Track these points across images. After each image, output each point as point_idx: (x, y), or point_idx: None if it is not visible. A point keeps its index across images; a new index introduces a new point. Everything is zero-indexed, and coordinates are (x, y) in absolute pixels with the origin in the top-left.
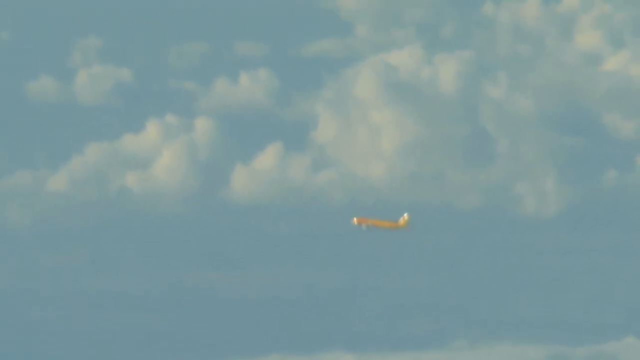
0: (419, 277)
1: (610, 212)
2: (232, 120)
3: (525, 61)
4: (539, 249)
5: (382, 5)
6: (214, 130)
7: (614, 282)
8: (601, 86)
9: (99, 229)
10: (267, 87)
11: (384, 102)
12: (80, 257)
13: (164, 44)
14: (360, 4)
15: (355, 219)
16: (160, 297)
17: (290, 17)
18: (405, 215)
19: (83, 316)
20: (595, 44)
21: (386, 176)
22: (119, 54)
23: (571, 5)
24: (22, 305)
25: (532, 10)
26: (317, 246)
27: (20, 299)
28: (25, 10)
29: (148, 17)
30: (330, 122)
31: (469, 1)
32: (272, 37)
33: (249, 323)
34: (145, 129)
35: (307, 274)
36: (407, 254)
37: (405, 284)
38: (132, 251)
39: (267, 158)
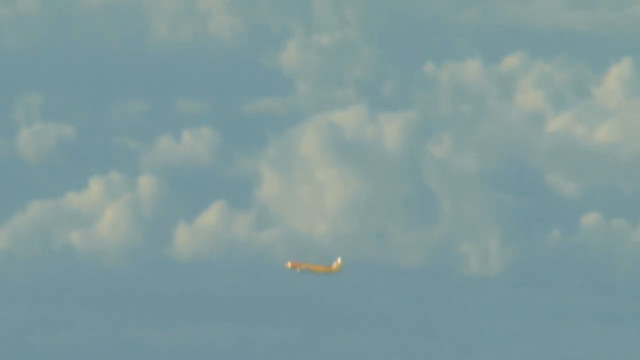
0: (360, 335)
1: (554, 272)
2: (175, 178)
3: (467, 121)
4: (482, 309)
5: (324, 64)
6: (157, 187)
7: (556, 343)
8: (544, 146)
9: (42, 286)
10: (210, 145)
11: (328, 161)
12: (22, 313)
13: (105, 101)
14: (302, 62)
15: (289, 262)
16: (102, 352)
17: (232, 75)
18: (339, 259)
19: None
20: (537, 103)
21: (329, 234)
22: (61, 111)
23: (512, 65)
24: None
25: (473, 70)
26: (259, 304)
27: None
28: None
29: (89, 74)
30: (274, 180)
31: (410, 60)
32: (213, 94)
33: None
34: (88, 187)
35: (247, 330)
36: (349, 313)
37: (346, 342)
38: (75, 307)
39: (211, 216)
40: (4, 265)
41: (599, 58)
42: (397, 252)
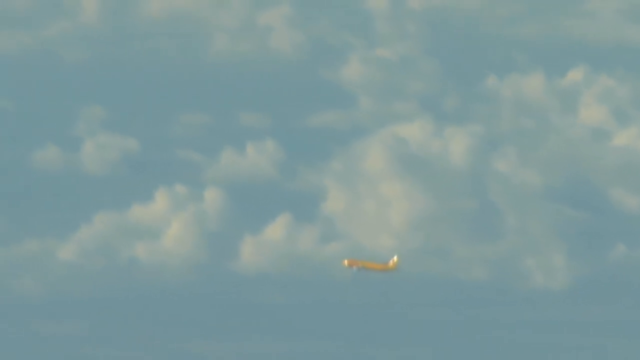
0: (423, 349)
1: (619, 287)
2: (240, 191)
3: (530, 135)
4: (547, 324)
5: (385, 78)
6: (223, 200)
7: (621, 357)
8: (608, 161)
9: (107, 298)
10: (274, 158)
11: (394, 175)
12: (88, 327)
13: (167, 114)
14: (363, 76)
15: (346, 260)
16: None
17: (293, 89)
18: (395, 257)
19: None
20: (601, 118)
21: (394, 249)
22: (124, 124)
23: (574, 79)
24: None
25: (535, 84)
26: (324, 318)
27: None
28: (27, 80)
29: (150, 87)
30: (339, 194)
31: (472, 75)
32: (275, 108)
33: None
34: (154, 199)
35: (313, 344)
36: (413, 327)
37: (409, 356)
38: (140, 320)
39: (276, 229)
40: (70, 277)
41: None
42: (461, 266)
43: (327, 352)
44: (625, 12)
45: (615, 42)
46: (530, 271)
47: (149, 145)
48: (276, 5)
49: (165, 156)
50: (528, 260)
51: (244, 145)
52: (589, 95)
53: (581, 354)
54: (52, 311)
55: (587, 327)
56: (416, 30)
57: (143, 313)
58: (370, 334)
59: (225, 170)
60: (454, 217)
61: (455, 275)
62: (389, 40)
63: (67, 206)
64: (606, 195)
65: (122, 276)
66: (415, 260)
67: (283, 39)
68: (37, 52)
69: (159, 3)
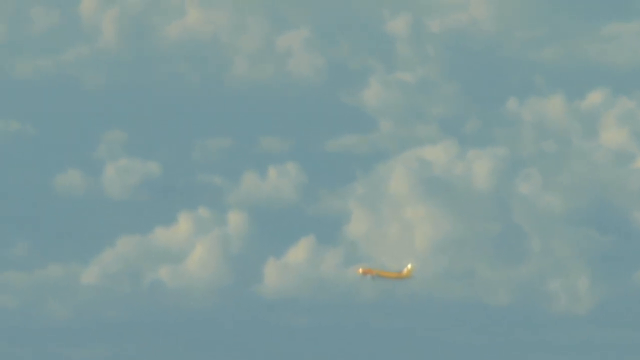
0: None
1: None
2: (263, 214)
3: (552, 158)
4: (571, 347)
5: (406, 101)
6: (246, 223)
7: None
8: (631, 184)
9: (131, 322)
10: (296, 182)
11: (418, 198)
12: (112, 350)
13: (188, 138)
14: (383, 100)
15: (360, 269)
16: None
17: (313, 113)
18: (409, 265)
19: None
20: (622, 141)
21: (418, 272)
22: (145, 148)
23: (595, 101)
24: None
25: (556, 107)
26: (347, 341)
27: None
28: (48, 105)
29: (170, 111)
30: (363, 217)
31: (492, 98)
32: (296, 132)
33: None
34: (177, 222)
35: None
36: (438, 351)
37: None
38: (164, 344)
39: (300, 252)
40: (94, 301)
41: None
42: (486, 290)
43: None
44: None
45: (635, 65)
46: (555, 294)
47: (171, 169)
48: (295, 29)
49: (187, 180)
50: (552, 283)
51: (265, 168)
52: (609, 118)
53: None
54: (77, 336)
55: (611, 350)
56: (436, 53)
57: (167, 336)
58: (394, 358)
59: (247, 194)
60: (478, 240)
61: (480, 298)
62: (409, 63)
63: (89, 230)
64: (630, 218)
65: (146, 299)
66: (440, 284)
67: (302, 62)
68: (57, 77)
69: (178, 27)
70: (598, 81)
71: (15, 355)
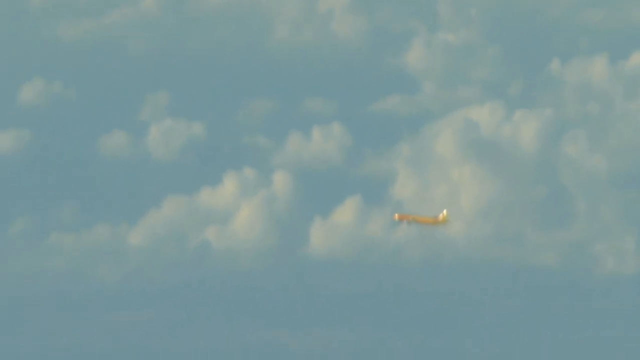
0: (493, 335)
1: None
2: (308, 175)
3: (596, 119)
4: (617, 309)
5: (449, 63)
6: (291, 184)
7: None
8: None
9: (179, 284)
10: (341, 142)
11: (464, 160)
12: (159, 313)
13: (231, 99)
14: (426, 62)
15: (396, 215)
16: (235, 352)
17: (356, 74)
18: (445, 211)
19: None
20: None
21: (465, 233)
22: (189, 110)
23: (638, 63)
24: None
25: (599, 68)
26: (393, 303)
27: (94, 356)
28: (92, 67)
29: (212, 73)
30: (409, 178)
31: (535, 59)
32: (339, 93)
33: None
34: (222, 183)
35: (382, 329)
36: (483, 313)
37: (483, 345)
38: (211, 306)
39: (346, 213)
40: (141, 263)
41: None
42: (532, 252)
43: (397, 339)
44: None
45: None
46: (601, 256)
47: (215, 130)
48: None
49: (231, 141)
50: (598, 245)
51: (309, 129)
52: None
53: None
54: (124, 298)
55: None
56: (479, 14)
57: (213, 298)
58: (442, 321)
59: (292, 155)
60: (525, 203)
61: (527, 261)
62: (452, 25)
63: (135, 192)
64: None
65: (193, 261)
66: (486, 246)
67: (344, 24)
68: (101, 39)
69: None
70: None
71: (63, 318)
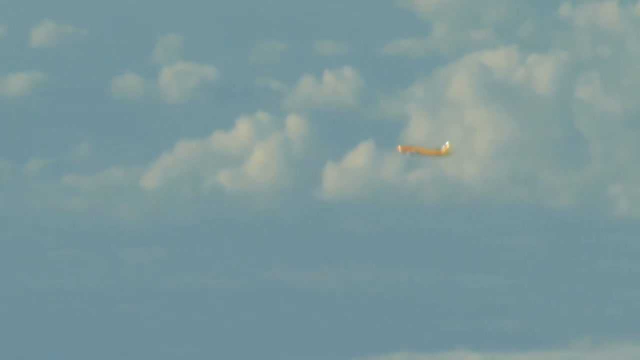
0: (505, 276)
1: None
2: (321, 118)
3: (608, 62)
4: (632, 250)
5: (459, 6)
6: (304, 127)
7: None
8: None
9: (193, 225)
10: (353, 86)
11: (478, 103)
12: (172, 253)
13: (243, 42)
14: (437, 4)
15: (399, 146)
16: (247, 294)
17: (367, 17)
18: (447, 143)
19: (169, 311)
20: None
21: (479, 176)
22: (200, 52)
23: None
24: (108, 301)
25: (609, 12)
26: (408, 245)
27: (108, 295)
28: (104, 7)
29: (224, 16)
30: (422, 121)
31: (546, 2)
32: (350, 36)
33: (358, 322)
34: (235, 127)
35: (393, 271)
36: (500, 254)
37: (497, 283)
38: (224, 247)
39: (359, 156)
40: (155, 204)
41: None
42: (547, 194)
43: (410, 280)
44: None
45: None
46: (615, 198)
47: (227, 73)
48: None
49: (243, 83)
50: (613, 187)
51: (321, 73)
52: None
53: None
54: (138, 238)
55: None
56: None
57: (227, 239)
58: (456, 262)
59: (304, 98)
60: (539, 145)
61: (541, 202)
62: None
63: (148, 134)
64: None
65: (207, 203)
66: (501, 188)
67: None
68: None
69: None
70: None
71: (79, 255)
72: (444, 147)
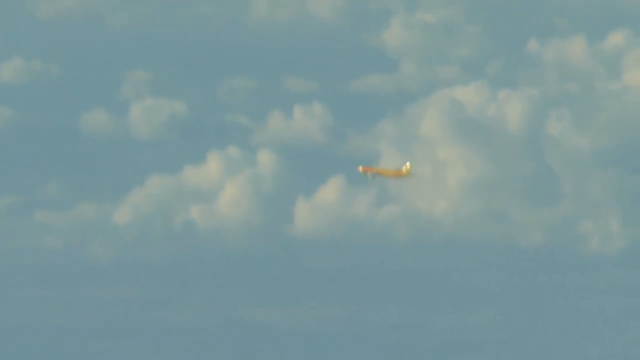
0: (479, 314)
1: None
2: (291, 154)
3: (578, 100)
4: (602, 287)
5: (428, 42)
6: (275, 163)
7: None
8: None
9: (164, 263)
10: (322, 121)
11: (449, 139)
12: (142, 290)
13: (211, 78)
14: (406, 40)
15: (360, 167)
16: (218, 331)
17: (335, 53)
18: (408, 163)
19: (140, 349)
20: None
21: (451, 213)
22: (169, 88)
23: (616, 42)
24: (80, 340)
25: (578, 48)
26: (379, 282)
27: (79, 333)
28: (72, 44)
29: (192, 52)
30: (393, 158)
31: (514, 39)
32: (318, 72)
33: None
34: (206, 161)
35: (367, 308)
36: (469, 291)
37: (468, 322)
38: (196, 283)
39: (330, 192)
40: (127, 241)
41: None
42: (518, 231)
43: (382, 318)
44: None
45: None
46: (586, 236)
47: (196, 108)
48: None
49: (213, 119)
50: (583, 224)
51: (291, 108)
52: (631, 58)
53: (636, 317)
54: (109, 276)
55: None
56: None
57: (198, 275)
58: (426, 300)
59: (274, 134)
60: (510, 182)
61: (513, 239)
62: (431, 4)
63: (118, 170)
64: None
65: (178, 239)
66: (472, 225)
67: (321, 3)
68: (80, 16)
69: None
70: (619, 22)
71: (47, 296)
72: (404, 167)
